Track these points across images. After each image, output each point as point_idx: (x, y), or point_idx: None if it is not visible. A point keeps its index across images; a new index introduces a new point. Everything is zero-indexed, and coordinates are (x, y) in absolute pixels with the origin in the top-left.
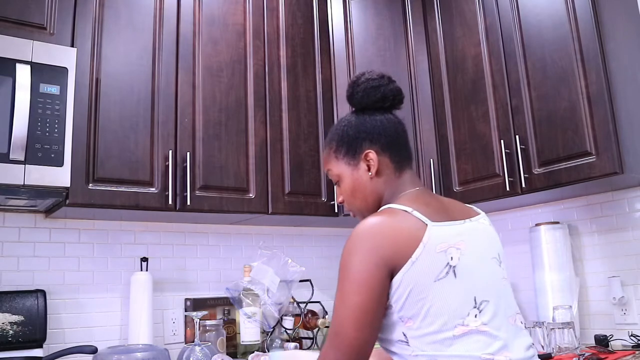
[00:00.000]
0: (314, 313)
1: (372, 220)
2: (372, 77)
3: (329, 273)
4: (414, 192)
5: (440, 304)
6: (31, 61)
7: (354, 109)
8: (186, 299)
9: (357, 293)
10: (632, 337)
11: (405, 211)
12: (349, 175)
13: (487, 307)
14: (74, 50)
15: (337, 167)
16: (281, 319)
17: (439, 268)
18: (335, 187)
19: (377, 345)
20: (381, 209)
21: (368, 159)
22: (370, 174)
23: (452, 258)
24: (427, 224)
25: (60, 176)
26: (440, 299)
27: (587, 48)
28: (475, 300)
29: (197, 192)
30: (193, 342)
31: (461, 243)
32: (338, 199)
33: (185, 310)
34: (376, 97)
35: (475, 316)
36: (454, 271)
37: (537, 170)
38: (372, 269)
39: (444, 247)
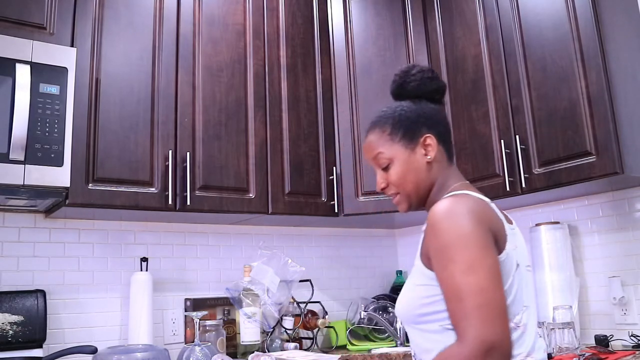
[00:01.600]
0: (314, 313)
1: (469, 198)
2: (426, 69)
3: (329, 273)
4: (467, 184)
5: (507, 297)
6: (31, 61)
7: (395, 97)
8: (186, 299)
9: (488, 256)
10: (632, 337)
11: (485, 201)
12: (404, 159)
13: (527, 311)
14: (74, 50)
15: (391, 151)
16: (281, 319)
17: (513, 263)
18: (378, 172)
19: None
20: (454, 193)
21: (426, 143)
22: (428, 157)
23: (518, 257)
24: (502, 219)
25: (60, 176)
26: (508, 293)
27: (587, 48)
28: (523, 301)
29: (197, 192)
30: (193, 342)
31: (517, 246)
32: (380, 185)
33: (185, 310)
34: (432, 88)
35: (521, 317)
36: (518, 270)
37: (537, 170)
38: (489, 237)
39: (513, 247)
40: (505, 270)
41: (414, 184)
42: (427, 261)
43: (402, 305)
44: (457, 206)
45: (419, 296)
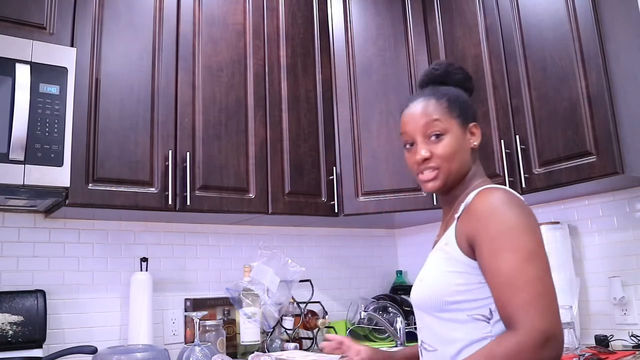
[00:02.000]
0: (314, 313)
1: (519, 198)
2: (464, 68)
3: (329, 273)
4: (491, 182)
5: None
6: (31, 61)
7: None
8: (186, 299)
9: (542, 247)
10: (632, 338)
11: (520, 198)
12: (458, 136)
13: None
14: (74, 50)
15: (448, 123)
16: (281, 319)
17: None
18: (420, 143)
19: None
20: (492, 186)
21: (473, 131)
22: (475, 143)
23: None
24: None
25: (59, 176)
26: None
27: (587, 48)
28: None
29: (197, 192)
30: (193, 342)
31: None
32: (424, 155)
33: (185, 311)
34: (471, 86)
35: None
36: None
37: (537, 170)
38: (540, 229)
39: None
40: None
41: (459, 163)
42: (467, 248)
43: (426, 291)
44: (509, 196)
45: (451, 283)
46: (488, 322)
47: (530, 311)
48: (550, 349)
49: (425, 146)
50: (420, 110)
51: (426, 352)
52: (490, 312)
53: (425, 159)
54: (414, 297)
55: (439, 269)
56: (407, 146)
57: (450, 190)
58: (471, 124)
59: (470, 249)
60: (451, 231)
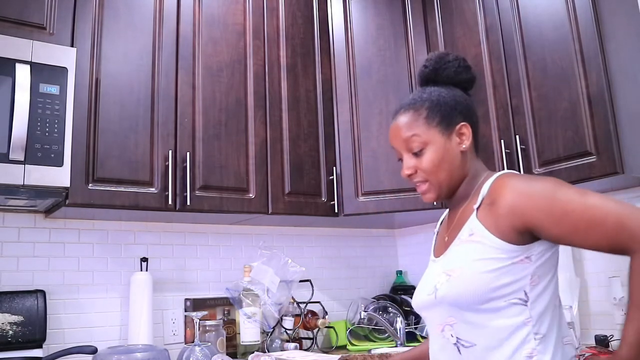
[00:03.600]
0: (314, 313)
1: None
2: (461, 57)
3: (329, 273)
4: None
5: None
6: (31, 61)
7: (429, 84)
8: (186, 299)
9: None
10: None
11: None
12: (440, 145)
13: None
14: (74, 50)
15: (427, 135)
16: (281, 319)
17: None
18: (405, 157)
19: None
20: (508, 172)
21: (461, 132)
22: (463, 147)
23: None
24: None
25: (60, 176)
26: (552, 286)
27: (587, 48)
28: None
29: (197, 192)
30: (193, 342)
31: None
32: (407, 171)
33: (185, 311)
34: (467, 77)
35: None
36: None
37: (537, 170)
38: None
39: None
40: (554, 262)
41: (447, 172)
42: (511, 234)
43: (464, 284)
44: (526, 174)
45: (490, 269)
46: (525, 305)
47: (635, 219)
48: None
49: (410, 161)
50: (400, 125)
51: (464, 349)
52: (526, 294)
53: (410, 175)
54: (446, 294)
55: (473, 259)
56: (398, 159)
57: (453, 194)
58: (458, 126)
59: (511, 233)
60: (473, 222)
